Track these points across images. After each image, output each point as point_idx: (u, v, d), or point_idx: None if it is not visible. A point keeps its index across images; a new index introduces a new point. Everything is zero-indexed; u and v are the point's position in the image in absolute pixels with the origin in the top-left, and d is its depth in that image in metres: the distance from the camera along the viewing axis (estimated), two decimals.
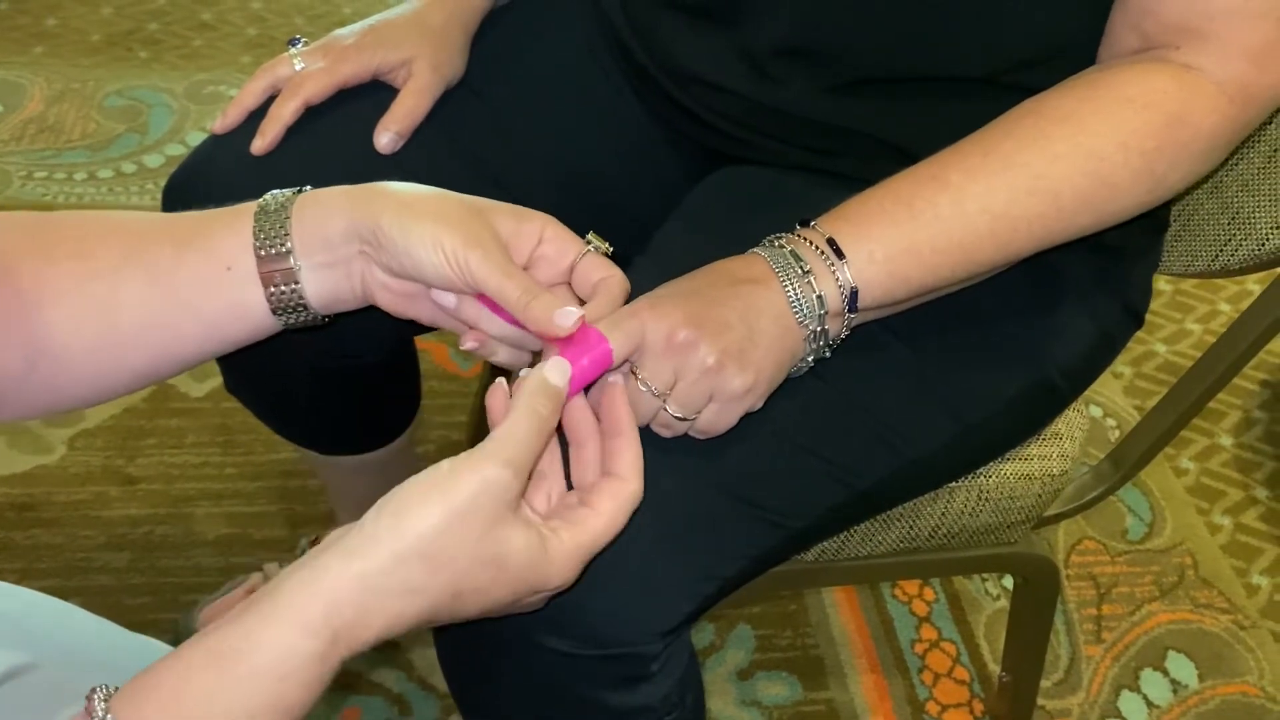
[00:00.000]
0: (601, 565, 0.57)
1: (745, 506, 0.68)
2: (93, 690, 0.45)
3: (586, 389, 0.59)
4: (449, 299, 0.61)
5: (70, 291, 0.57)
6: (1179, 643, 1.28)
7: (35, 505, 1.31)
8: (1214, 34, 0.65)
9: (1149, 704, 1.22)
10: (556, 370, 0.55)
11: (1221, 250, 0.85)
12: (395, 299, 0.61)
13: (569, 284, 0.62)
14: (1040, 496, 0.86)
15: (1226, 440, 1.54)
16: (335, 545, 0.49)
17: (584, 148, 0.87)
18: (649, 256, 0.78)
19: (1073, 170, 0.66)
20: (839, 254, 0.64)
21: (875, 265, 0.65)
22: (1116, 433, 1.53)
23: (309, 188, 0.61)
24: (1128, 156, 0.66)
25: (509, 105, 0.86)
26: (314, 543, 1.19)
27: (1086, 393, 0.86)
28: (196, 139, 1.89)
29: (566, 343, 0.57)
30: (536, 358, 0.60)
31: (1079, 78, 0.69)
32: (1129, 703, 1.22)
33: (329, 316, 0.62)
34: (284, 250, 0.58)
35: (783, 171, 0.81)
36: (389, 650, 1.19)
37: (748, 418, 0.65)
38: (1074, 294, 0.80)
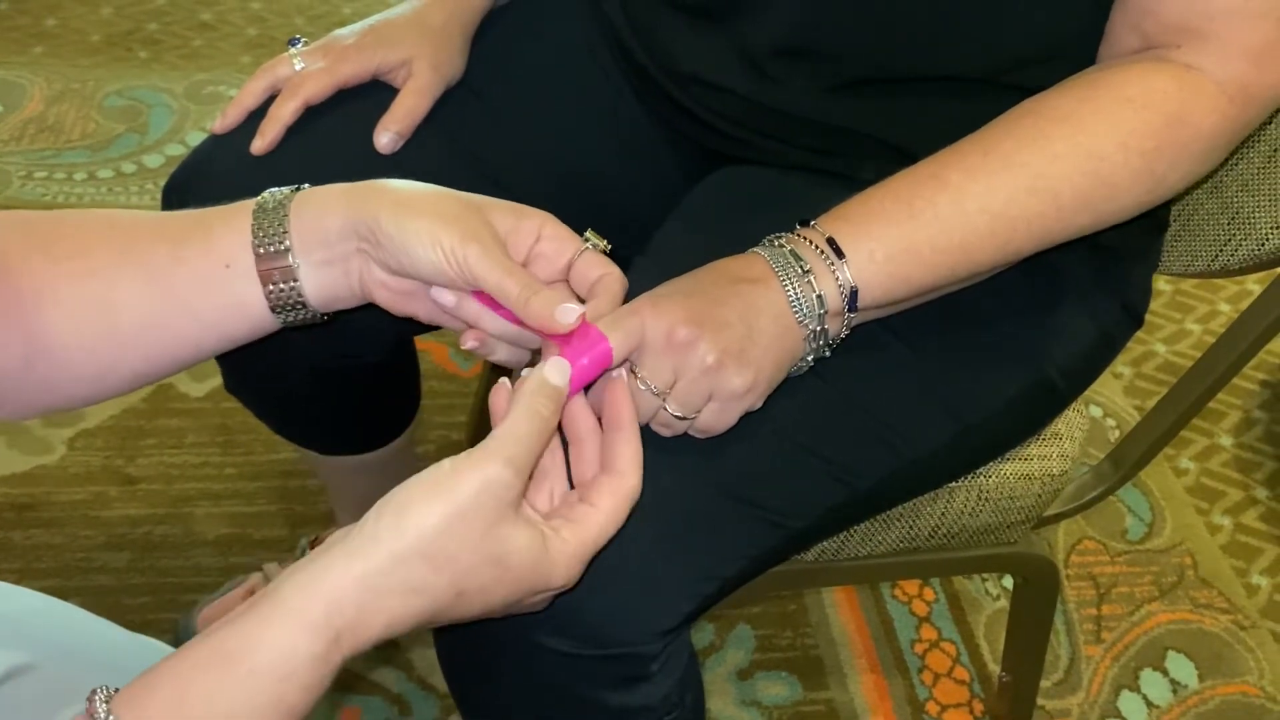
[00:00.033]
0: (601, 565, 0.57)
1: (745, 506, 0.68)
2: (94, 691, 0.45)
3: (587, 388, 0.59)
4: (448, 298, 0.60)
5: (68, 290, 0.57)
6: (1179, 643, 1.28)
7: (35, 505, 1.31)
8: (1214, 34, 0.65)
9: (1149, 704, 1.22)
10: (556, 369, 0.55)
11: (1221, 250, 0.85)
12: (393, 296, 0.61)
13: (566, 282, 0.62)
14: (1040, 496, 0.86)
15: (1226, 440, 1.54)
16: (337, 546, 0.49)
17: (583, 148, 0.87)
18: (649, 256, 0.78)
19: (1072, 170, 0.66)
20: (839, 253, 0.64)
21: (875, 265, 0.65)
22: (1116, 433, 1.53)
23: (307, 185, 0.61)
24: (1127, 156, 0.66)
25: (509, 105, 0.86)
26: (314, 543, 1.19)
27: (1086, 393, 0.86)
28: (196, 139, 1.89)
29: (566, 341, 0.57)
30: (535, 356, 0.60)
31: (1079, 77, 0.69)
32: (1129, 703, 1.22)
33: (328, 314, 0.62)
34: (283, 248, 0.58)
35: (783, 171, 0.81)
36: (389, 650, 1.19)
37: (747, 417, 0.65)
38: (1074, 294, 0.80)
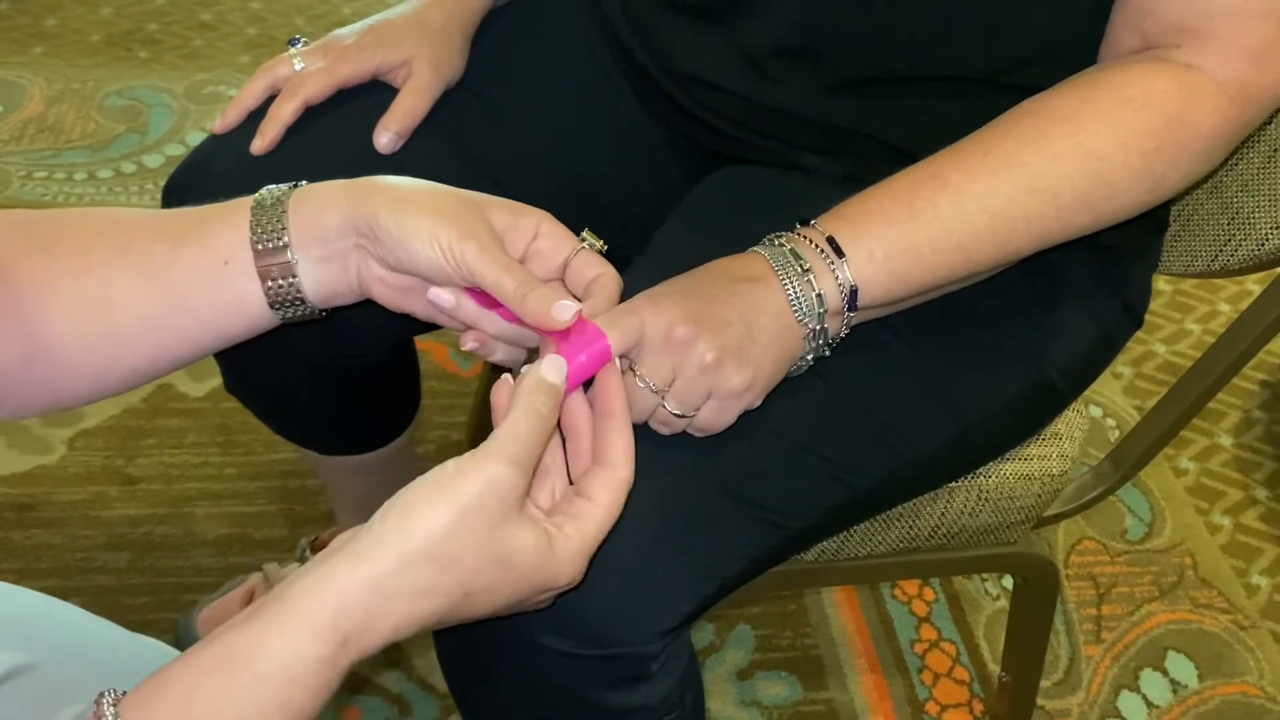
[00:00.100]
0: (602, 565, 0.57)
1: (745, 506, 0.68)
2: (101, 694, 0.45)
3: (587, 385, 0.59)
4: (446, 300, 0.61)
5: (67, 289, 0.57)
6: (1179, 643, 1.28)
7: (35, 505, 1.31)
8: (1214, 34, 0.65)
9: (1149, 704, 1.22)
10: (553, 368, 0.55)
11: (1221, 250, 0.85)
12: (391, 293, 0.61)
13: (562, 281, 0.62)
14: (1040, 496, 0.86)
15: (1226, 440, 1.54)
16: (343, 549, 0.49)
17: (583, 148, 0.87)
18: (649, 256, 0.78)
19: (1072, 170, 0.66)
20: (839, 252, 0.64)
21: (875, 264, 0.65)
22: (1116, 433, 1.53)
23: (304, 182, 0.61)
24: (1127, 156, 0.66)
25: (509, 105, 0.86)
26: (314, 543, 1.19)
27: (1086, 393, 0.86)
28: (196, 139, 1.89)
29: (564, 338, 0.57)
30: (533, 355, 0.60)
31: (1079, 77, 0.69)
32: (1129, 703, 1.22)
33: (326, 311, 0.62)
34: (281, 244, 0.58)
35: (783, 171, 0.81)
36: (389, 651, 1.19)
37: (746, 416, 0.65)
38: (1074, 294, 0.80)
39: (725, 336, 0.61)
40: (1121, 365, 1.63)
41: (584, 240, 0.61)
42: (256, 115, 0.81)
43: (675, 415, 0.62)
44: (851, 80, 0.76)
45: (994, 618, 1.29)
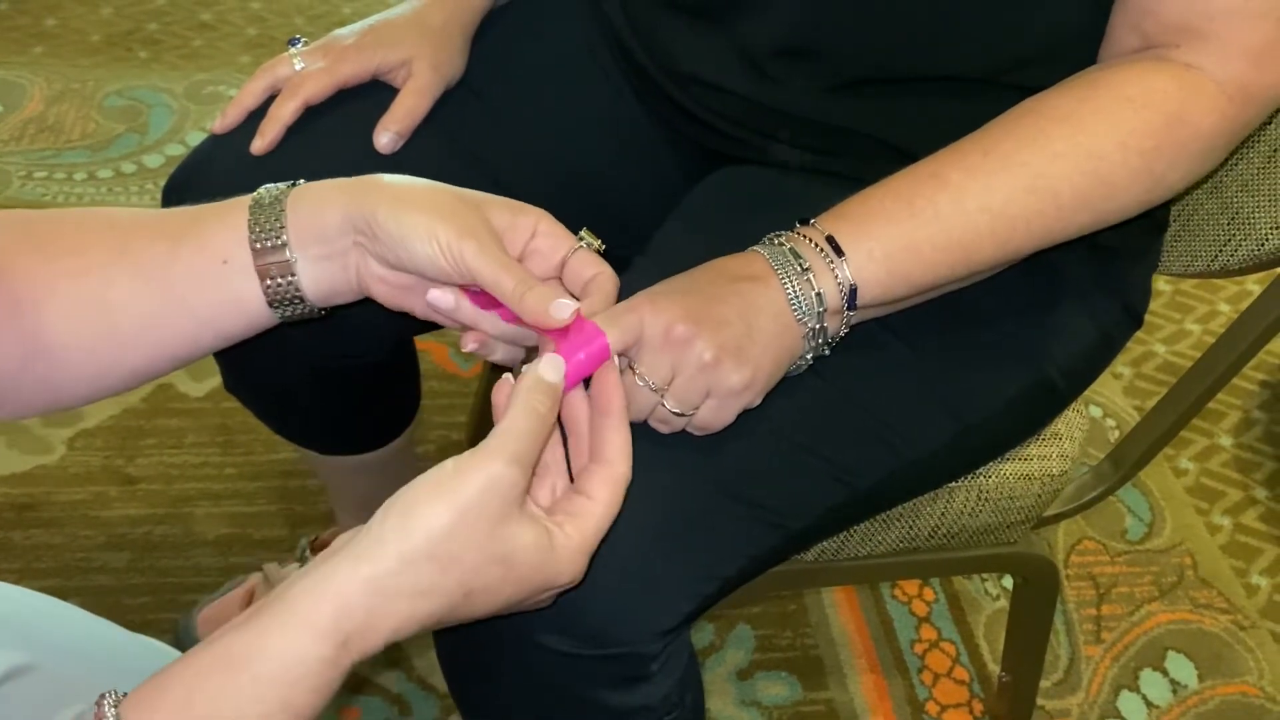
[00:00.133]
0: (602, 565, 0.57)
1: (744, 506, 0.68)
2: (102, 695, 0.45)
3: (587, 383, 0.59)
4: (447, 302, 0.61)
5: (65, 289, 0.57)
6: (1178, 643, 1.28)
7: (35, 505, 1.31)
8: (1214, 34, 0.65)
9: (1148, 704, 1.22)
10: (551, 366, 0.55)
11: (1221, 250, 0.85)
12: (390, 291, 0.61)
13: (560, 279, 0.62)
14: (1040, 496, 0.86)
15: (1226, 440, 1.54)
16: (344, 549, 0.49)
17: (583, 148, 0.87)
18: (649, 257, 0.78)
19: (1072, 169, 0.66)
20: (838, 251, 0.64)
21: (874, 263, 0.65)
22: (1116, 433, 1.54)
23: (302, 181, 0.61)
24: (1126, 156, 0.66)
25: (509, 105, 0.86)
26: (314, 543, 1.19)
27: (1086, 393, 0.86)
28: (196, 139, 1.89)
29: (563, 337, 0.57)
30: (533, 354, 0.60)
31: (1078, 77, 0.69)
32: (1128, 703, 1.22)
33: (325, 309, 0.62)
34: (279, 243, 0.58)
35: (783, 171, 0.81)
36: (389, 650, 1.19)
37: (745, 415, 0.65)
38: (1073, 294, 0.80)
39: (724, 335, 0.61)
40: (1121, 365, 1.63)
41: (582, 239, 0.61)
42: (256, 115, 0.81)
43: (674, 414, 0.62)
44: (851, 80, 0.76)
45: (994, 618, 1.29)
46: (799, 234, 0.66)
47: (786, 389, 0.67)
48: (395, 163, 0.80)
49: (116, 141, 1.88)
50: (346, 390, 0.93)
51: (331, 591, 0.47)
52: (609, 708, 0.67)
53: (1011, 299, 0.76)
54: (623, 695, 0.66)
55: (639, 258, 0.77)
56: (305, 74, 0.81)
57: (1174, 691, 1.24)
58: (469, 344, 0.62)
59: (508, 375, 0.57)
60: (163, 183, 0.83)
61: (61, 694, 0.52)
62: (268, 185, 0.60)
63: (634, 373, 0.61)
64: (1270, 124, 0.82)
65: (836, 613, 1.28)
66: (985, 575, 1.34)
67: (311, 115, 0.80)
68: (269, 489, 1.36)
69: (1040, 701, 1.20)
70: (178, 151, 1.87)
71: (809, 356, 0.67)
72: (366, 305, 0.63)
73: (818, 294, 0.64)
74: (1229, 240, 0.85)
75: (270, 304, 0.60)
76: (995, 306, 0.75)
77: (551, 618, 0.61)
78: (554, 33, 0.89)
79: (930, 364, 0.74)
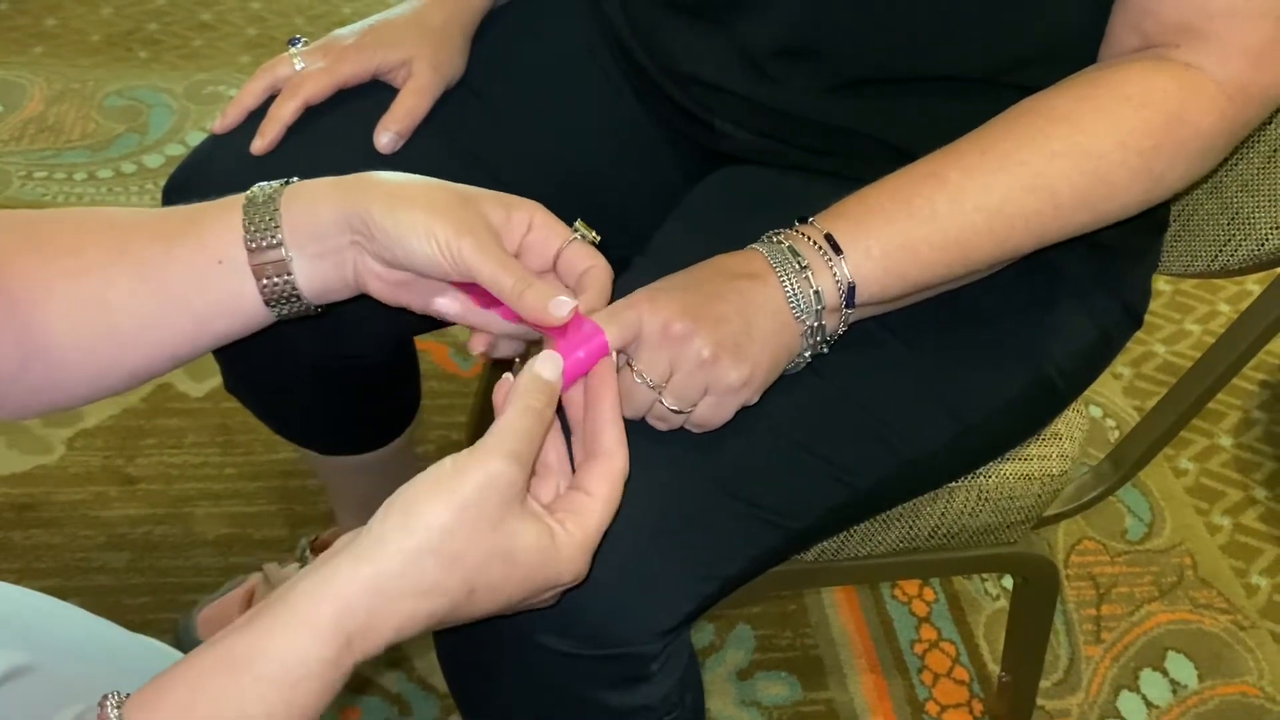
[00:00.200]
0: (601, 564, 0.57)
1: (743, 504, 0.68)
2: (105, 697, 0.45)
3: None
4: (455, 310, 0.61)
5: (64, 289, 0.57)
6: (1178, 643, 1.28)
7: (35, 505, 1.31)
8: (1214, 33, 0.65)
9: (1148, 704, 1.22)
10: (547, 363, 0.55)
11: (1221, 250, 0.85)
12: (387, 287, 0.61)
13: (554, 272, 0.62)
14: (1040, 496, 0.87)
15: (1226, 441, 1.54)
16: (345, 549, 0.49)
17: (583, 148, 0.87)
18: (649, 256, 0.78)
19: (1070, 169, 0.66)
20: (836, 250, 0.65)
21: (872, 261, 0.65)
22: (1116, 433, 1.54)
23: (296, 179, 0.61)
24: (1125, 155, 0.66)
25: (509, 105, 0.86)
26: (314, 543, 1.19)
27: (1086, 393, 0.86)
28: (196, 139, 1.89)
29: (562, 334, 0.57)
30: (533, 349, 0.60)
31: (1078, 76, 0.69)
32: (1128, 703, 1.22)
33: (322, 306, 0.62)
34: (275, 242, 0.58)
35: (782, 171, 0.81)
36: (389, 651, 1.19)
37: (744, 413, 0.65)
38: (1073, 293, 0.80)
39: (722, 332, 0.61)
40: (1121, 365, 1.63)
41: (577, 231, 0.61)
42: (256, 115, 0.81)
43: (672, 411, 0.62)
44: (851, 80, 0.76)
45: (994, 618, 1.29)
46: (797, 232, 0.66)
47: (785, 387, 0.67)
48: (395, 163, 0.80)
49: (116, 141, 1.88)
50: (346, 390, 0.93)
51: (333, 592, 0.47)
52: (609, 708, 0.67)
53: (1011, 298, 0.76)
54: (623, 695, 0.66)
55: (639, 258, 0.77)
56: (305, 74, 0.81)
57: (1174, 691, 1.24)
58: (478, 346, 0.62)
59: (508, 374, 0.57)
60: (163, 183, 0.83)
61: (61, 694, 0.52)
62: (261, 184, 0.60)
63: (632, 370, 0.61)
64: (1270, 124, 0.82)
65: (836, 613, 1.28)
66: (985, 575, 1.34)
67: (311, 115, 0.80)
68: (269, 489, 1.36)
69: (1040, 701, 1.20)
70: (178, 151, 1.87)
71: (807, 354, 0.67)
72: (366, 304, 0.63)
73: (816, 292, 0.64)
74: (1229, 240, 0.85)
75: (267, 303, 0.60)
76: (994, 305, 0.75)
77: (551, 618, 0.61)
78: (554, 33, 0.89)
79: (929, 363, 0.74)
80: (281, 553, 1.27)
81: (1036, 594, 1.00)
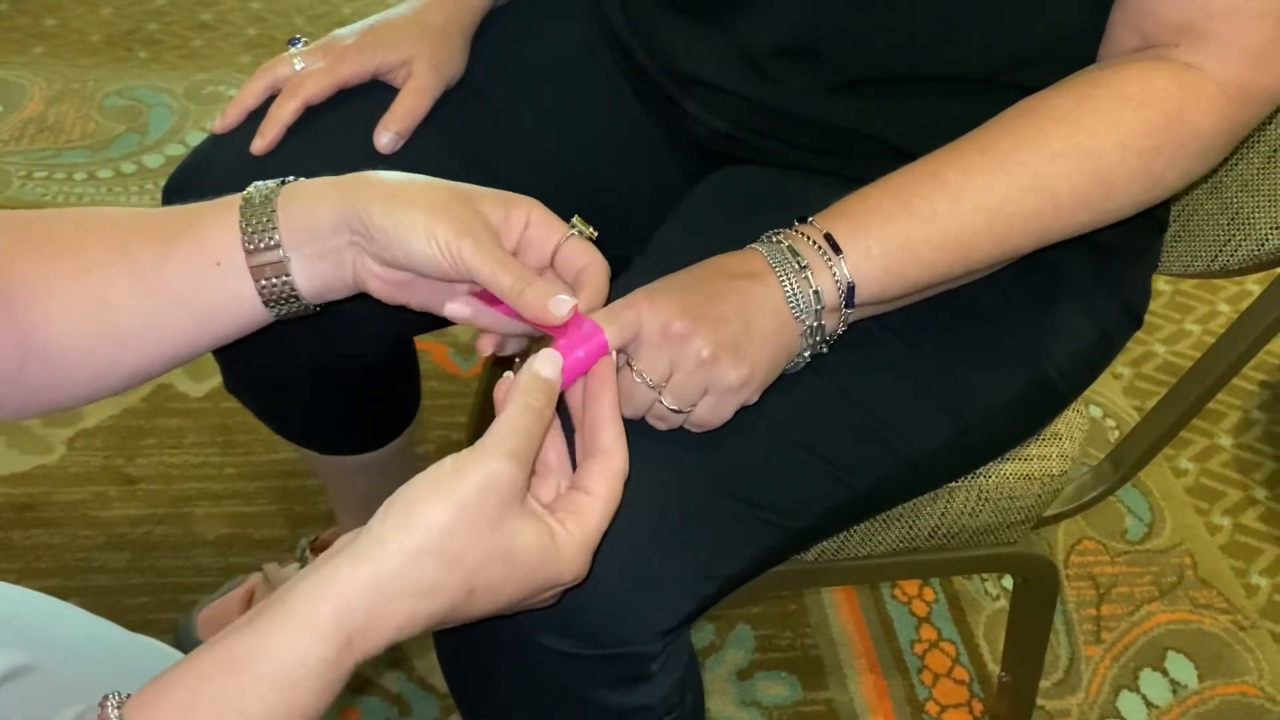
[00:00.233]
0: (601, 564, 0.57)
1: (743, 504, 0.68)
2: (105, 697, 0.45)
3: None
4: (465, 314, 0.61)
5: (61, 290, 0.57)
6: (1178, 643, 1.28)
7: (35, 505, 1.31)
8: (1214, 33, 0.65)
9: (1148, 704, 1.22)
10: (547, 363, 0.55)
11: (1221, 251, 0.85)
12: (386, 287, 0.61)
13: (552, 268, 0.62)
14: (1040, 496, 0.87)
15: (1226, 441, 1.54)
16: (345, 549, 0.49)
17: (583, 148, 0.87)
18: (649, 256, 0.78)
19: (1070, 168, 0.66)
20: (836, 249, 0.65)
21: (872, 261, 0.65)
22: (1116, 433, 1.54)
23: (292, 178, 0.60)
24: (1125, 155, 0.66)
25: (509, 105, 0.86)
26: (314, 543, 1.19)
27: (1086, 393, 0.86)
28: (196, 139, 1.89)
29: (562, 332, 0.57)
30: (534, 347, 0.61)
31: (1077, 76, 0.69)
32: (1128, 703, 1.22)
33: (320, 306, 0.62)
34: (272, 243, 0.58)
35: (782, 171, 0.81)
36: (389, 651, 1.19)
37: (743, 412, 0.65)
38: (1073, 293, 0.80)
39: (722, 332, 0.61)
40: (1121, 365, 1.63)
41: (574, 227, 0.61)
42: (257, 115, 0.81)
43: (672, 410, 0.62)
44: (851, 80, 0.76)
45: (994, 618, 1.29)
46: (797, 232, 0.66)
47: (784, 386, 0.67)
48: (395, 163, 0.80)
49: (116, 141, 1.88)
50: (346, 390, 0.93)
51: (333, 592, 0.47)
52: (609, 708, 0.67)
53: (1010, 297, 0.76)
54: (623, 695, 0.66)
55: (639, 258, 0.77)
56: (305, 74, 0.81)
57: (1174, 691, 1.24)
58: (487, 348, 0.62)
59: (508, 373, 0.57)
60: (163, 183, 0.83)
61: (61, 694, 0.52)
62: (257, 183, 0.60)
63: (632, 369, 0.61)
64: (1270, 124, 0.82)
65: (836, 613, 1.28)
66: (985, 575, 1.34)
67: (311, 115, 0.80)
68: (269, 489, 1.36)
69: (1040, 701, 1.20)
70: (178, 151, 1.87)
71: (806, 354, 0.67)
72: (365, 304, 0.63)
73: (815, 292, 0.64)
74: (1229, 240, 0.85)
75: (265, 303, 0.60)
76: (994, 305, 0.76)
77: (551, 617, 0.61)
78: (554, 33, 0.89)
79: (928, 362, 0.74)
80: (281, 553, 1.27)
81: (1036, 594, 1.00)
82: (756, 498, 0.68)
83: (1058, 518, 0.95)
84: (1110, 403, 1.58)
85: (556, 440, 0.57)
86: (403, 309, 0.63)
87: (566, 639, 0.63)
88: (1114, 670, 1.25)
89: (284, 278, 0.59)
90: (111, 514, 1.31)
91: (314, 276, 0.60)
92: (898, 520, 0.84)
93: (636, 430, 0.61)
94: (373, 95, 0.81)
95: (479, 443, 0.51)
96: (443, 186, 0.59)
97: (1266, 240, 0.82)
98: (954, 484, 0.83)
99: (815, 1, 0.73)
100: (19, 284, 0.57)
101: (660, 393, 0.62)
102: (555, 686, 0.66)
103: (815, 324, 0.65)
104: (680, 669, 0.69)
